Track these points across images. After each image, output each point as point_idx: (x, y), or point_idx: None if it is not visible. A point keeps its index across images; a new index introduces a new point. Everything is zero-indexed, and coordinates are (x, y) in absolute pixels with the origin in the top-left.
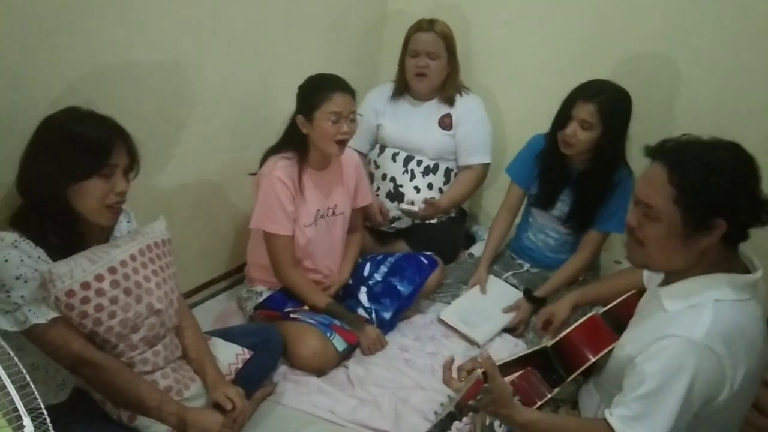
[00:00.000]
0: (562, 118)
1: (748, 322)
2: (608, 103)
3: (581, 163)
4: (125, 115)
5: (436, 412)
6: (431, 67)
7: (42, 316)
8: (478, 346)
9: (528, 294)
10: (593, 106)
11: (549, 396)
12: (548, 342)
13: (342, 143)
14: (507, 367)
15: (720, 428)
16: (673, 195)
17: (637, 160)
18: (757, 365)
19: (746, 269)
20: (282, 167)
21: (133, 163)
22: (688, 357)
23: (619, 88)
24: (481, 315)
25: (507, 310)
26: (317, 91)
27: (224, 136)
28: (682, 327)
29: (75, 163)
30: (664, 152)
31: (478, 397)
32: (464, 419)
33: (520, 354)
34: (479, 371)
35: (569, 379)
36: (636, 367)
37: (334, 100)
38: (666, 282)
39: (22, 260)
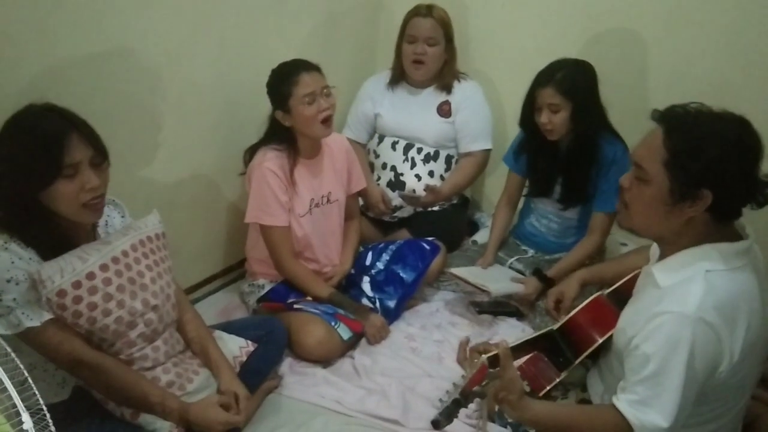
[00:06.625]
0: (530, 111)
1: (741, 290)
2: (565, 79)
3: (566, 142)
4: (118, 108)
5: (441, 400)
6: (429, 54)
7: (35, 318)
8: (489, 296)
9: (538, 273)
10: (551, 88)
11: (558, 380)
12: (554, 325)
13: (326, 121)
14: (514, 352)
15: (725, 402)
16: (664, 158)
17: (635, 138)
18: (758, 333)
19: (739, 237)
20: (272, 158)
21: (99, 152)
22: (683, 331)
23: (573, 61)
24: (489, 278)
25: (516, 279)
26: (283, 80)
27: (221, 131)
28: (674, 302)
29: (32, 173)
30: (667, 116)
31: (484, 383)
32: (472, 406)
33: (527, 338)
34: (485, 357)
35: (577, 362)
36: (635, 349)
37: (302, 82)
38: (660, 259)
39: (12, 262)
